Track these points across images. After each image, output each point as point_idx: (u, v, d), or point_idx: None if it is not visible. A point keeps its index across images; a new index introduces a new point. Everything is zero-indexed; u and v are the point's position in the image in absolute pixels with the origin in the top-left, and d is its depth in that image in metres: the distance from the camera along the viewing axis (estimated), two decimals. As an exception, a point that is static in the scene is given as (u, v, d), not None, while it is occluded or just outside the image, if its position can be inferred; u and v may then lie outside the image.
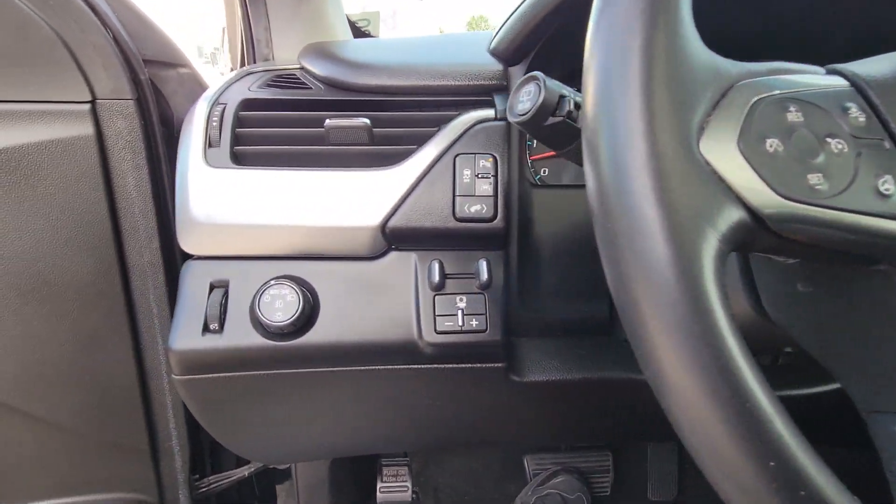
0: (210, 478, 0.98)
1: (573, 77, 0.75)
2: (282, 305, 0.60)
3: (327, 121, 0.63)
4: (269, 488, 1.16)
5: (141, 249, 0.78)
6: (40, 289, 0.72)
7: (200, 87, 0.87)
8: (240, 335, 0.61)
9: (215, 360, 0.62)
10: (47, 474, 0.81)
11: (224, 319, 0.62)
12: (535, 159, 0.71)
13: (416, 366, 0.65)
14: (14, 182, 0.68)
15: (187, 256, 0.66)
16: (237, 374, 0.63)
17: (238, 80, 0.71)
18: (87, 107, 0.71)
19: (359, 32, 1.03)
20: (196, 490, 0.94)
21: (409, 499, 0.94)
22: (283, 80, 0.71)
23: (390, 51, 0.74)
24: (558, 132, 0.48)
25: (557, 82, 0.49)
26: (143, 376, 0.82)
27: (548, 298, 0.70)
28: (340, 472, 1.07)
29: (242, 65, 0.91)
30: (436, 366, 0.65)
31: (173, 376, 0.64)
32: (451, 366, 0.65)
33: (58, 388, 0.76)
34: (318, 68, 0.71)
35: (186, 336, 0.61)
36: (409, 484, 0.94)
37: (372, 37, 1.08)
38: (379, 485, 0.94)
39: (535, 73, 0.49)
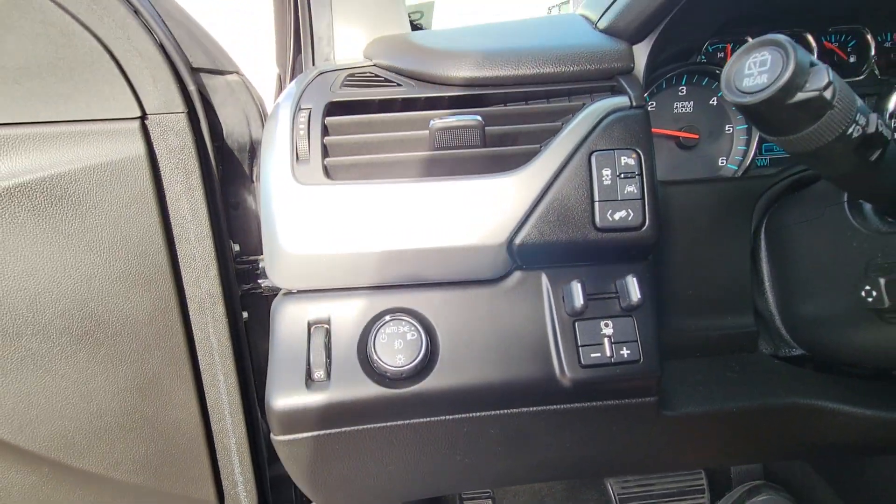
0: (274, 521, 0.90)
1: (691, 53, 0.66)
2: (402, 346, 0.51)
3: (433, 121, 0.54)
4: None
5: (199, 279, 0.70)
6: (94, 331, 0.64)
7: (251, 98, 0.79)
8: (351, 384, 0.53)
9: (323, 415, 0.54)
10: (107, 535, 0.73)
11: (330, 365, 0.53)
12: None
13: (553, 406, 0.56)
14: (61, 213, 0.60)
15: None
16: (346, 429, 0.55)
17: (312, 81, 0.61)
18: (136, 123, 0.63)
19: (411, 27, 0.94)
20: (262, 536, 0.86)
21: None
22: (363, 78, 0.62)
23: (479, 38, 0.64)
24: (805, 111, 0.39)
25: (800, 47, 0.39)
26: (206, 419, 0.74)
27: (684, 314, 0.62)
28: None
29: (292, 67, 0.82)
30: (577, 405, 0.56)
31: (273, 437, 0.55)
32: (596, 404, 0.56)
33: (117, 440, 0.67)
34: (402, 62, 0.62)
35: (288, 390, 0.53)
36: (495, 519, 0.86)
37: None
38: (462, 521, 0.86)
39: (775, 36, 0.39)
